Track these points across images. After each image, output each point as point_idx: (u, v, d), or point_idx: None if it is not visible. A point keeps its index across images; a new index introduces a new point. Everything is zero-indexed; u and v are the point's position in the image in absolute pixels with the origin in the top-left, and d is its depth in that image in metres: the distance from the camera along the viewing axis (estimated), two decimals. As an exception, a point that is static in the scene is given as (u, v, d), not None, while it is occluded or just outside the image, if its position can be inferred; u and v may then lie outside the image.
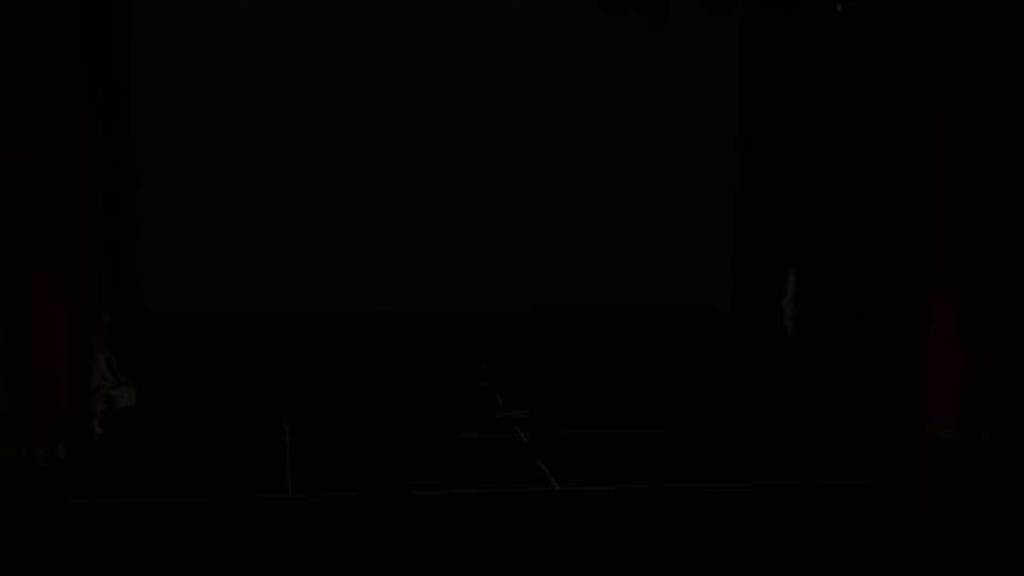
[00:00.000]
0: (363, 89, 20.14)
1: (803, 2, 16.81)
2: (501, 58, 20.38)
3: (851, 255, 17.32)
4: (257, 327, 19.21)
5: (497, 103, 20.50)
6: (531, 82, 20.54)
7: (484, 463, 12.54)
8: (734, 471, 12.55)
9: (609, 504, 11.36)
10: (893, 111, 16.58)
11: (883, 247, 17.05)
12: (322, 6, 19.59)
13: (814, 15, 17.54)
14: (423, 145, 20.38)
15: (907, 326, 14.51)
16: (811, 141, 18.44)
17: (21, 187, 11.95)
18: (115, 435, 13.12)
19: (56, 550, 10.15)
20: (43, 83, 11.90)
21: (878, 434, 13.69)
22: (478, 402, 14.90)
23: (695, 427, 14.08)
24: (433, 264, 20.47)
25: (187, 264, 19.80)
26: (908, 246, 15.93)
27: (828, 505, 11.49)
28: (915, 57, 15.41)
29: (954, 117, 13.20)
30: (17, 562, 9.84)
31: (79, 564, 9.88)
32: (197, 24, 19.45)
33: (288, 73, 19.92)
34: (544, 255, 20.65)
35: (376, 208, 20.32)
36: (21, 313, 12.05)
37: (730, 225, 19.92)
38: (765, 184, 19.51)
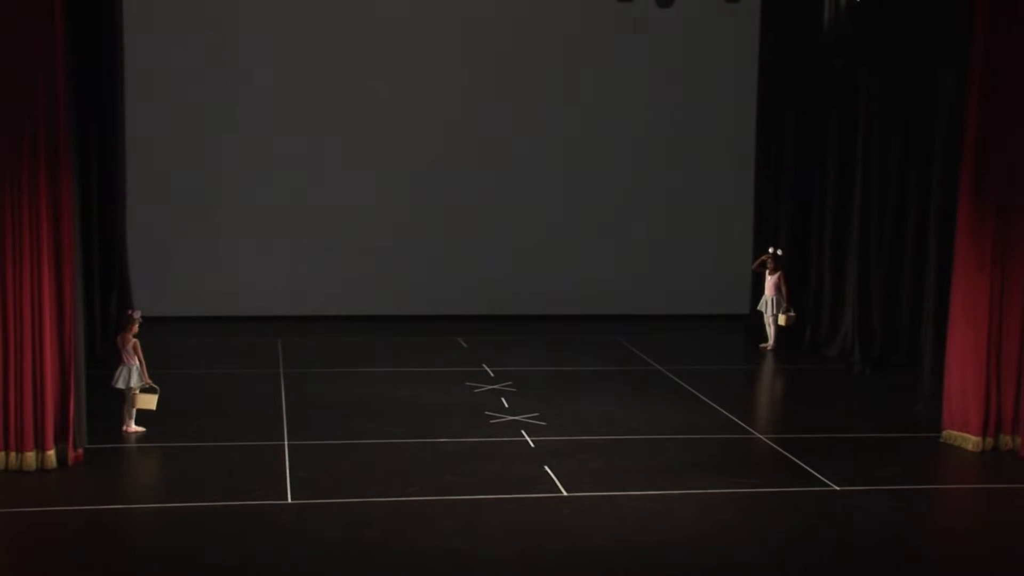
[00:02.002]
0: (367, 86, 20.00)
1: None
2: (509, 60, 20.28)
3: (870, 258, 17.14)
4: (253, 327, 19.13)
5: (507, 105, 20.38)
6: (547, 86, 20.48)
7: (489, 467, 12.29)
8: (750, 474, 12.27)
9: (618, 509, 11.12)
10: (910, 113, 16.45)
11: (901, 249, 16.92)
12: (316, 8, 19.53)
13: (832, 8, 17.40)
14: (429, 147, 20.22)
15: (930, 333, 14.40)
16: (823, 141, 18.27)
17: (6, 182, 11.69)
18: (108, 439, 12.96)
19: (44, 557, 9.94)
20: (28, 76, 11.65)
21: (899, 438, 13.58)
22: (484, 405, 14.68)
23: (710, 430, 13.85)
24: (441, 266, 20.34)
25: (180, 264, 19.71)
26: (928, 249, 15.80)
27: (842, 508, 11.26)
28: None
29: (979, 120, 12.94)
30: (9, 567, 9.63)
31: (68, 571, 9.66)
32: (187, 26, 19.41)
33: (284, 72, 19.84)
34: (561, 260, 20.57)
35: (386, 209, 20.17)
36: (10, 317, 11.79)
37: (750, 233, 19.70)
38: (774, 190, 19.28)
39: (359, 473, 12.06)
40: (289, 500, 11.21)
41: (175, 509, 11.04)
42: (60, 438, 12.04)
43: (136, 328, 13.35)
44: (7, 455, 11.89)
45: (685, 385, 15.91)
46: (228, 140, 19.76)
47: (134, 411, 13.30)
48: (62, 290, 11.93)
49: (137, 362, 13.23)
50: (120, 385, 13.25)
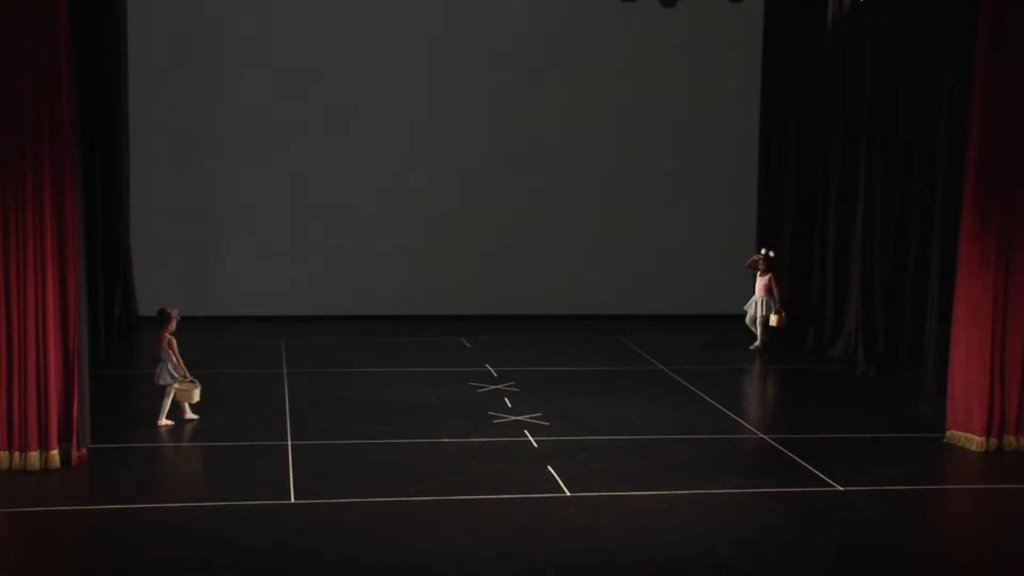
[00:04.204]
0: (372, 86, 20.00)
1: None
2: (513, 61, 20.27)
3: (874, 255, 17.13)
4: (254, 327, 19.17)
5: (509, 105, 20.38)
6: (548, 87, 20.47)
7: (492, 467, 12.28)
8: (753, 474, 12.25)
9: (621, 509, 11.10)
10: (913, 114, 16.46)
11: (905, 249, 16.93)
12: (318, 8, 19.53)
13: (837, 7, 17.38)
14: (430, 147, 20.23)
15: (933, 334, 14.39)
16: (826, 140, 18.25)
17: (10, 183, 11.70)
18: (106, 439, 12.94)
19: (47, 557, 9.94)
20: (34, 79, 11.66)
21: (903, 438, 13.56)
22: (487, 405, 14.67)
23: (713, 430, 13.83)
24: (444, 266, 20.34)
25: (182, 264, 19.74)
26: (932, 249, 15.81)
27: (845, 508, 11.24)
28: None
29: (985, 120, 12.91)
30: (12, 568, 9.62)
31: (70, 571, 9.66)
32: (189, 26, 19.45)
33: (287, 72, 19.83)
34: (564, 260, 20.60)
35: (388, 209, 20.18)
36: (14, 317, 11.80)
37: (753, 232, 19.66)
38: (777, 189, 19.22)
39: (362, 473, 12.05)
40: (292, 500, 11.21)
41: (178, 509, 11.04)
42: (64, 438, 12.04)
43: (172, 326, 13.70)
44: (11, 455, 11.89)
45: (688, 385, 15.91)
46: (229, 140, 19.76)
47: (167, 404, 13.55)
48: (66, 290, 11.94)
49: (173, 358, 13.54)
50: (161, 382, 13.57)
